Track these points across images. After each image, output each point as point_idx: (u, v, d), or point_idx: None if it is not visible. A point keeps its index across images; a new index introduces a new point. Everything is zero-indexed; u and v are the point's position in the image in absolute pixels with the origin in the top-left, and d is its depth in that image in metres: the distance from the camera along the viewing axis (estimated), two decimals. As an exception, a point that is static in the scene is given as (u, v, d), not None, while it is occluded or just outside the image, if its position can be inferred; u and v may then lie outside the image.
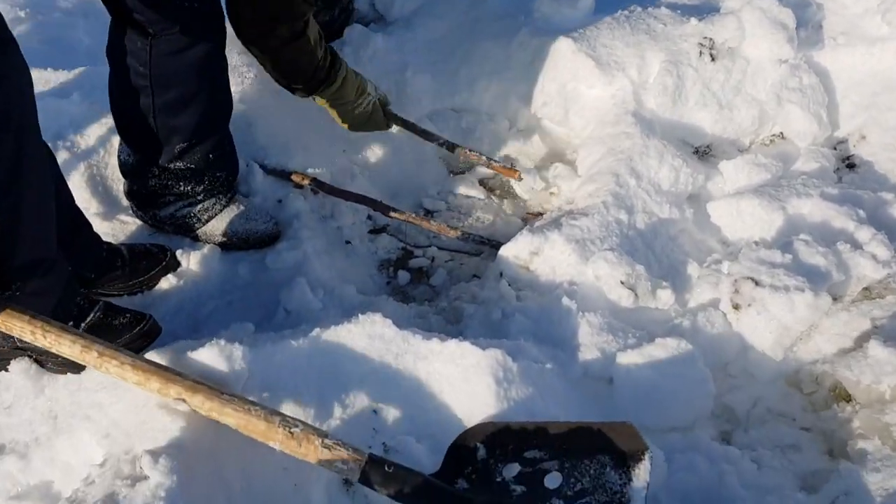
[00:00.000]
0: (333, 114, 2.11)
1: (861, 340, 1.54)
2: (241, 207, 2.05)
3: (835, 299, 1.67)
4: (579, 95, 2.24)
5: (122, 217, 2.12)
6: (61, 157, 2.21)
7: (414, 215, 2.17)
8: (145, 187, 1.99)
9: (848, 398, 1.48)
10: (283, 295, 1.88)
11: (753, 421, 1.56)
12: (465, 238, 2.12)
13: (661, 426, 1.55)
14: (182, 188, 1.96)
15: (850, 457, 1.38)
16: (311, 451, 1.27)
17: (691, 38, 2.19)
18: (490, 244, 2.10)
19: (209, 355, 1.42)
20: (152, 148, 1.90)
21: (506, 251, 1.90)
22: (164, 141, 1.87)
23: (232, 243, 2.02)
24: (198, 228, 2.04)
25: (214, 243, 2.03)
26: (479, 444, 1.35)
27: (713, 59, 2.16)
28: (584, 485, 1.29)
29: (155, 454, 1.29)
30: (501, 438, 1.37)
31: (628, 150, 2.04)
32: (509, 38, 2.35)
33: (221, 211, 2.02)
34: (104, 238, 1.95)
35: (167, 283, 1.96)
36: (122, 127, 1.94)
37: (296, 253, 2.01)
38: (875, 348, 1.45)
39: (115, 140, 2.14)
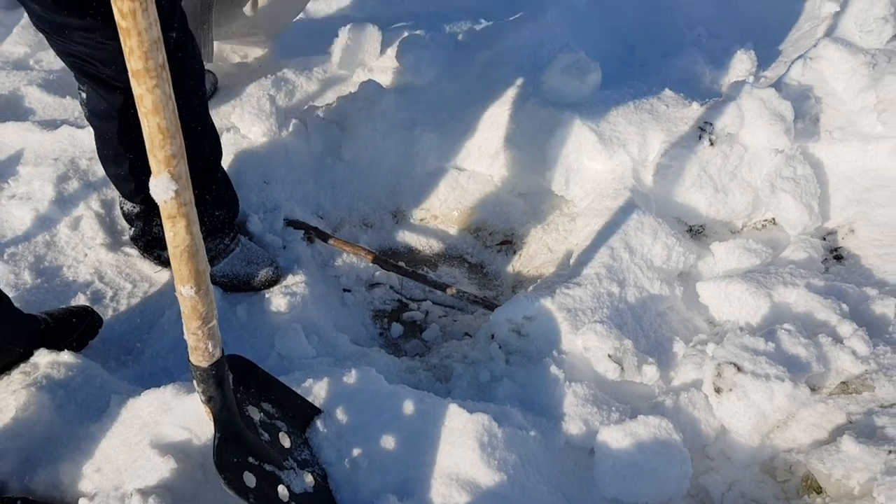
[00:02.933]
0: None
1: (835, 434, 1.59)
2: (245, 250, 2.09)
3: (813, 390, 1.72)
4: (581, 167, 2.31)
5: (127, 249, 2.17)
6: (72, 185, 2.27)
7: (412, 270, 2.22)
8: (150, 233, 2.04)
9: (819, 490, 1.52)
10: (278, 339, 1.91)
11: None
12: (459, 296, 2.17)
13: (638, 502, 1.58)
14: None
15: (817, 548, 1.42)
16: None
17: (692, 121, 2.28)
18: (484, 304, 2.15)
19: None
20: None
21: (499, 314, 1.94)
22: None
23: (234, 285, 2.06)
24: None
25: (216, 285, 2.06)
26: (229, 373, 1.33)
27: (712, 144, 2.24)
28: (306, 456, 1.46)
29: (144, 493, 1.32)
30: (247, 378, 1.45)
31: (624, 225, 2.10)
32: (518, 105, 2.43)
33: (225, 253, 2.06)
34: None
35: (165, 321, 1.99)
36: (120, 184, 1.94)
37: (294, 299, 2.05)
38: (848, 444, 1.50)
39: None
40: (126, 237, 2.20)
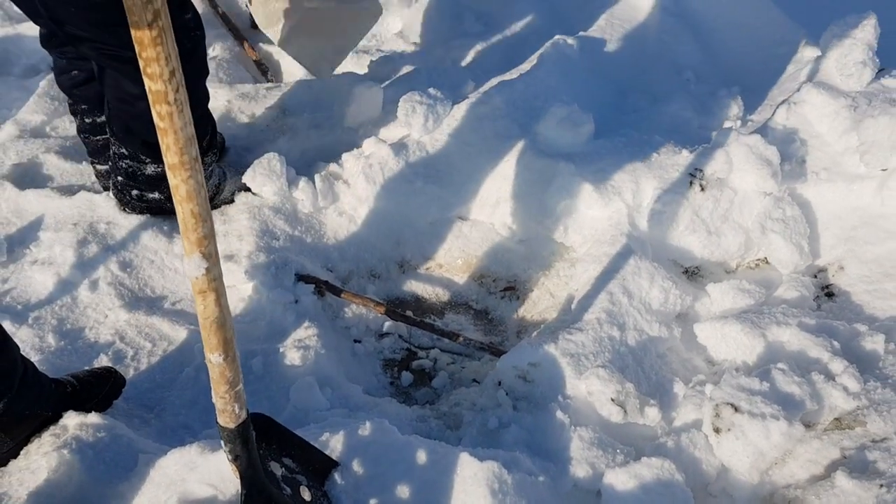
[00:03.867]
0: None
1: (830, 469, 1.66)
2: (230, 170, 2.58)
3: (808, 427, 1.79)
4: (579, 214, 2.41)
5: (146, 309, 2.26)
6: (92, 249, 2.37)
7: (419, 320, 2.31)
8: (144, 175, 2.38)
9: (817, 525, 1.59)
10: (293, 393, 1.99)
11: (730, 541, 1.66)
12: (466, 343, 2.25)
13: (644, 542, 1.65)
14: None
15: (816, 582, 1.49)
16: None
17: (683, 167, 2.38)
18: (490, 350, 2.23)
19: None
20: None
21: (505, 362, 2.03)
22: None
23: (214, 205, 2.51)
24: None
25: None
26: (254, 431, 1.42)
27: (702, 189, 2.34)
28: None
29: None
30: (268, 434, 1.53)
31: (622, 270, 2.19)
32: (515, 157, 2.54)
33: (224, 179, 2.53)
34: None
35: (184, 377, 2.08)
36: (129, 140, 2.31)
37: (307, 352, 2.14)
38: (841, 479, 1.57)
39: (143, 242, 2.36)
40: (146, 294, 2.30)
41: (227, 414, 1.31)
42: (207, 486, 1.52)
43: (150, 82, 1.02)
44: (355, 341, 2.32)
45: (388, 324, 2.36)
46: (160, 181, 2.39)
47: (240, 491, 1.38)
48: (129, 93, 2.18)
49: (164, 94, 1.02)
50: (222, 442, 1.36)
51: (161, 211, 2.50)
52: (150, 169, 2.37)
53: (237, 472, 1.38)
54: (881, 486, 1.53)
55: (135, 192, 2.42)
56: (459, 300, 2.51)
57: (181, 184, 1.08)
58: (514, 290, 2.49)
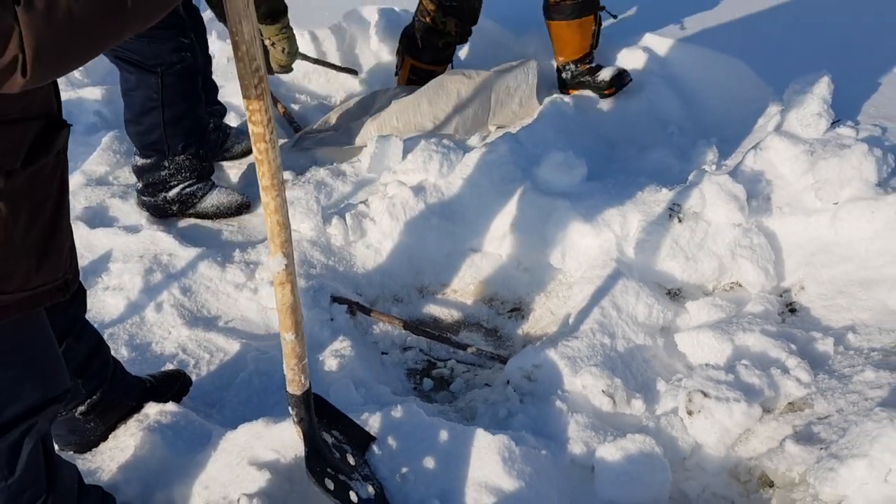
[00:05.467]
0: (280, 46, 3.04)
1: (784, 441, 2.00)
2: (222, 188, 3.12)
3: (767, 411, 2.13)
4: (574, 244, 2.80)
5: (204, 325, 2.63)
6: (156, 277, 2.76)
7: (438, 334, 2.68)
8: (158, 177, 3.00)
9: (770, 484, 1.91)
10: (332, 391, 2.34)
11: (702, 502, 1.99)
12: (479, 354, 2.61)
13: (630, 504, 1.98)
14: (184, 175, 3.00)
15: (768, 525, 1.82)
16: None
17: (664, 203, 2.78)
18: (500, 359, 2.58)
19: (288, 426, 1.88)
20: (164, 149, 2.94)
21: (512, 364, 2.38)
22: (171, 143, 2.92)
23: (220, 213, 3.11)
24: (196, 204, 3.09)
25: (207, 215, 3.11)
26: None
27: (680, 221, 2.73)
28: (367, 473, 1.86)
29: (249, 496, 1.74)
30: (321, 410, 1.85)
31: (612, 290, 2.56)
32: (518, 196, 2.94)
33: (209, 191, 3.10)
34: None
35: (240, 381, 2.43)
36: (139, 140, 2.94)
37: (342, 360, 2.50)
38: (790, 445, 1.90)
39: (200, 271, 2.75)
40: (203, 314, 2.68)
41: (296, 383, 1.67)
42: (272, 451, 1.87)
43: (253, 126, 1.42)
44: (383, 353, 2.68)
45: (410, 338, 2.73)
46: (158, 184, 3.01)
47: (303, 449, 1.74)
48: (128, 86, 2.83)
49: (263, 135, 1.43)
50: (289, 407, 1.72)
51: (165, 214, 3.10)
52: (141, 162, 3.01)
53: (301, 433, 1.74)
54: (821, 448, 1.86)
55: (144, 195, 3.08)
56: (472, 320, 2.87)
57: (271, 200, 1.47)
58: (520, 311, 2.85)
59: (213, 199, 3.10)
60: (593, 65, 3.75)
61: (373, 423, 2.01)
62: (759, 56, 3.78)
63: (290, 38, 3.08)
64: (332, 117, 3.71)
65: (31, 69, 1.00)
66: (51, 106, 1.38)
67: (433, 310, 2.91)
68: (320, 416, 1.89)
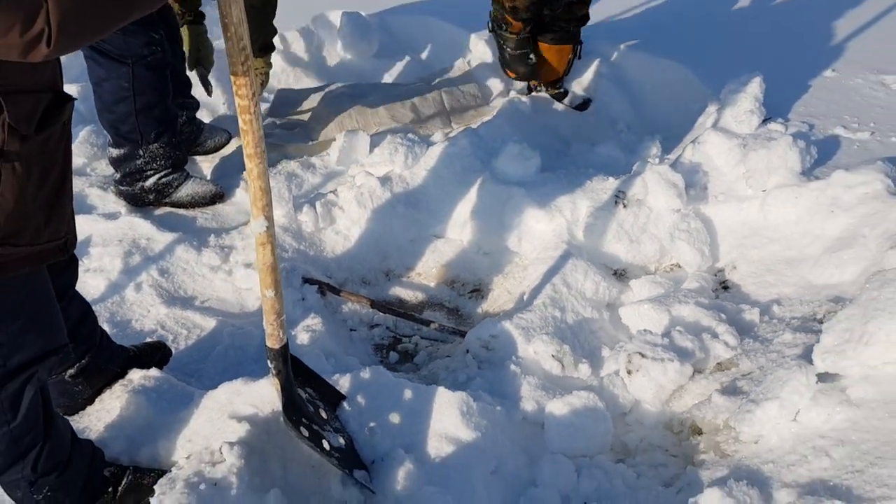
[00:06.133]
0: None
1: (711, 395, 2.24)
2: (196, 179, 3.26)
3: (699, 371, 2.37)
4: (529, 228, 3.03)
5: (181, 304, 2.79)
6: (135, 259, 2.92)
7: (403, 311, 2.88)
8: (134, 167, 3.14)
9: (699, 431, 2.15)
10: (305, 361, 2.52)
11: (640, 451, 2.21)
12: (441, 329, 2.81)
13: (576, 453, 2.19)
14: (159, 163, 3.13)
15: (695, 464, 2.05)
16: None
17: (610, 191, 3.02)
18: (460, 334, 2.79)
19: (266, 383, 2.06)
20: (137, 138, 3.07)
21: (471, 334, 2.59)
22: (144, 131, 3.04)
23: (195, 202, 3.24)
24: (171, 194, 3.22)
25: (182, 204, 3.24)
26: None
27: (625, 207, 2.97)
28: (338, 426, 2.02)
29: (230, 444, 1.92)
30: (296, 369, 2.02)
31: (562, 269, 2.79)
32: (478, 185, 3.16)
33: (184, 181, 3.23)
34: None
35: (216, 354, 2.60)
36: (113, 128, 3.06)
37: (314, 334, 2.68)
38: (716, 397, 2.14)
39: (177, 254, 2.91)
40: (180, 294, 2.84)
41: (275, 338, 1.86)
42: (250, 406, 2.04)
43: (239, 100, 1.62)
44: (351, 330, 2.87)
45: (377, 317, 2.92)
46: (135, 174, 3.16)
47: (280, 400, 1.92)
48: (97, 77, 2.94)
49: (248, 107, 1.62)
50: (268, 361, 1.90)
51: (142, 203, 3.24)
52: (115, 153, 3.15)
53: (278, 385, 1.92)
54: (742, 399, 2.10)
55: (122, 185, 3.23)
56: (435, 301, 3.08)
57: (254, 167, 1.66)
58: (480, 292, 3.07)
59: (189, 189, 3.24)
60: (562, 90, 3.97)
61: (343, 383, 2.20)
62: (700, 61, 4.08)
63: (266, 75, 3.50)
64: (296, 114, 3.88)
65: (55, 40, 1.19)
66: (57, 81, 1.56)
67: (399, 291, 3.11)
68: (296, 374, 2.08)
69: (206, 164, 3.69)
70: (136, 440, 2.13)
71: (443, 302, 3.07)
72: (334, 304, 2.93)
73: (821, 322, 2.41)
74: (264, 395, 2.06)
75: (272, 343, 1.86)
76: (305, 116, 3.92)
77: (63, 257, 1.67)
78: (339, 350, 2.67)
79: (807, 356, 2.15)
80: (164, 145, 3.12)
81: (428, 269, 3.16)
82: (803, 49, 4.18)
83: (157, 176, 3.17)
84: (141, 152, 3.13)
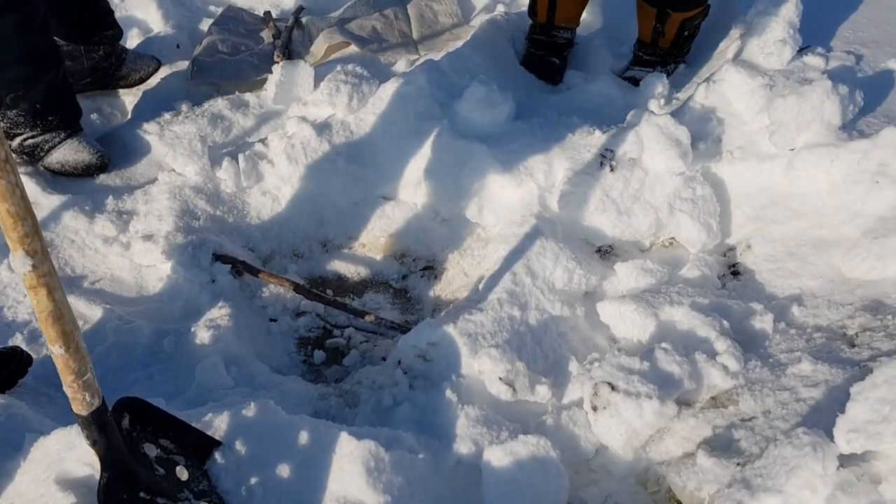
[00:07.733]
0: None
1: (698, 449, 1.71)
2: (76, 142, 2.63)
3: (687, 405, 1.84)
4: (492, 195, 2.44)
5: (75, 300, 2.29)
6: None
7: (333, 299, 2.35)
8: None
9: (679, 502, 1.64)
10: (198, 372, 2.04)
11: (602, 515, 1.72)
12: (378, 322, 2.30)
13: (519, 515, 1.71)
14: (20, 130, 2.57)
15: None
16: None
17: (595, 148, 2.40)
18: (401, 329, 2.27)
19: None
20: None
21: (405, 341, 2.07)
22: None
23: (65, 171, 2.63)
24: (43, 158, 2.64)
25: (53, 171, 2.64)
26: (126, 414, 1.55)
27: (612, 170, 2.36)
28: (204, 487, 1.60)
29: (45, 527, 1.45)
30: (144, 417, 1.60)
31: (528, 251, 2.23)
32: (434, 137, 2.56)
33: (58, 145, 2.62)
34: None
35: (95, 356, 2.12)
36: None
37: (217, 332, 2.18)
38: (702, 458, 1.62)
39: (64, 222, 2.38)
40: (66, 273, 2.34)
41: (79, 402, 1.35)
42: (85, 465, 1.57)
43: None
44: (271, 320, 2.37)
45: (304, 303, 2.41)
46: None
47: (100, 477, 1.44)
48: None
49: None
50: (80, 428, 1.41)
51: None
52: None
53: (97, 457, 1.43)
54: (737, 464, 1.58)
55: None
56: (380, 279, 2.55)
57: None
58: (433, 269, 2.53)
59: (59, 156, 2.64)
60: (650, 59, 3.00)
61: (219, 424, 1.71)
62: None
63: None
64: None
65: None
66: None
67: (338, 266, 2.58)
68: (144, 423, 1.59)
69: (129, 99, 3.12)
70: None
71: (389, 281, 2.54)
72: (253, 286, 2.42)
73: (852, 345, 1.85)
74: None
75: (77, 409, 1.36)
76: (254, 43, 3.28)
77: None
78: (248, 353, 2.18)
79: (828, 410, 1.60)
80: (23, 112, 2.53)
81: (374, 239, 2.61)
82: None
83: (20, 137, 2.59)
84: None
